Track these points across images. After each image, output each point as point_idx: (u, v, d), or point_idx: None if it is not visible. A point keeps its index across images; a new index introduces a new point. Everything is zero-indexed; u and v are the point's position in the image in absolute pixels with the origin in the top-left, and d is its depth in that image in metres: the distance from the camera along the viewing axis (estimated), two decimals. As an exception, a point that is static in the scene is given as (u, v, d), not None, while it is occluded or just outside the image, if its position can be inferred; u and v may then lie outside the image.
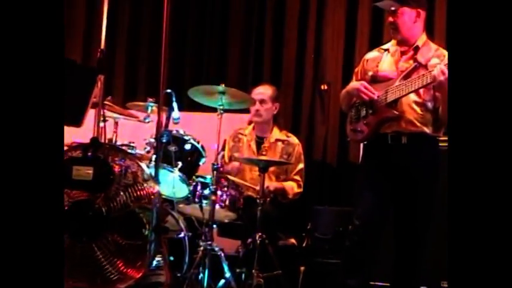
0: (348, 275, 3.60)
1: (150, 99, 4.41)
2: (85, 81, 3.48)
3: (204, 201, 4.19)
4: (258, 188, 4.27)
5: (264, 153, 4.62)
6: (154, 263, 3.49)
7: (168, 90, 4.05)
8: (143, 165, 3.44)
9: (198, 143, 4.33)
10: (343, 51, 5.65)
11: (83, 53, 6.01)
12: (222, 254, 4.06)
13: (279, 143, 4.85)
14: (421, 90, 3.52)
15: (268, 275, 4.09)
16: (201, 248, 3.99)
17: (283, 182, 4.79)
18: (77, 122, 3.39)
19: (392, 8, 3.60)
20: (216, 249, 4.05)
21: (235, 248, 4.53)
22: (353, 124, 3.73)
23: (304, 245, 4.75)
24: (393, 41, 3.73)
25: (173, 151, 4.16)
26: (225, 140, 4.81)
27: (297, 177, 4.82)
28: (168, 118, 4.21)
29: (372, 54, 3.81)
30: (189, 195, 4.21)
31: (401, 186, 3.55)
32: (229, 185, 4.27)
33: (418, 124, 3.53)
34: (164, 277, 3.71)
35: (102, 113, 3.80)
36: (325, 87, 5.49)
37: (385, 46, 3.80)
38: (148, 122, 4.43)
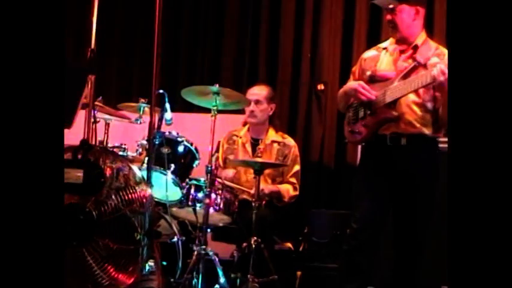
0: (345, 280, 3.58)
1: (142, 100, 4.38)
2: (75, 82, 3.42)
3: (198, 205, 4.18)
4: (253, 191, 4.25)
5: (259, 155, 4.56)
6: (147, 268, 3.39)
7: (161, 91, 4.02)
8: (135, 167, 3.40)
9: (192, 144, 4.33)
10: (340, 50, 5.62)
11: (74, 53, 5.93)
12: (217, 259, 4.06)
13: (275, 145, 4.82)
14: (421, 91, 3.50)
15: (264, 280, 4.07)
16: (195, 253, 3.98)
17: (279, 184, 4.77)
18: (67, 123, 3.34)
19: (391, 6, 3.58)
20: (210, 253, 4.04)
21: (230, 252, 4.48)
22: (351, 125, 3.71)
23: (300, 249, 4.74)
24: (392, 39, 3.72)
25: (166, 153, 4.14)
26: (219, 142, 4.77)
27: (293, 180, 4.78)
28: (160, 119, 4.18)
29: (370, 53, 3.80)
30: (183, 199, 4.20)
31: (401, 189, 3.55)
32: (223, 188, 4.27)
33: (418, 125, 3.53)
34: (157, 283, 3.63)
35: (92, 114, 3.72)
36: (322, 87, 5.49)
37: (383, 44, 3.78)
38: (140, 123, 4.41)
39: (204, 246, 3.99)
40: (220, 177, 4.45)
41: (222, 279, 3.99)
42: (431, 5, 5.03)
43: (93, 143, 3.86)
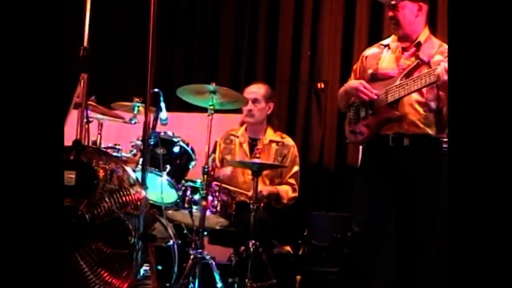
0: (346, 285, 3.58)
1: (137, 99, 4.38)
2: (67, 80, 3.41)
3: (194, 207, 4.17)
4: (250, 193, 4.25)
5: (257, 155, 4.55)
6: (142, 272, 3.44)
7: (156, 90, 4.01)
8: (129, 169, 3.39)
9: (188, 145, 4.30)
10: (340, 48, 5.64)
11: (67, 51, 5.90)
12: (214, 263, 4.05)
13: (273, 145, 4.81)
14: (424, 90, 3.47)
15: (262, 285, 4.06)
16: (191, 257, 3.97)
17: (278, 186, 4.75)
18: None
19: (393, 2, 3.56)
20: (207, 257, 4.03)
21: (228, 256, 4.51)
22: (352, 125, 3.69)
23: (300, 252, 4.73)
24: (394, 36, 3.69)
25: (161, 154, 4.12)
26: (215, 142, 4.82)
27: (292, 181, 4.77)
28: (155, 119, 4.17)
29: (371, 51, 3.77)
30: (178, 201, 4.19)
31: (403, 190, 3.52)
32: (220, 190, 4.26)
33: (421, 125, 3.50)
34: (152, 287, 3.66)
35: (85, 113, 3.73)
36: (322, 86, 5.50)
37: (385, 42, 3.76)
38: (135, 123, 4.38)
39: (200, 250, 3.99)
40: (217, 177, 4.46)
41: (219, 284, 3.98)
42: (435, 0, 5.03)
43: (86, 143, 3.94)
